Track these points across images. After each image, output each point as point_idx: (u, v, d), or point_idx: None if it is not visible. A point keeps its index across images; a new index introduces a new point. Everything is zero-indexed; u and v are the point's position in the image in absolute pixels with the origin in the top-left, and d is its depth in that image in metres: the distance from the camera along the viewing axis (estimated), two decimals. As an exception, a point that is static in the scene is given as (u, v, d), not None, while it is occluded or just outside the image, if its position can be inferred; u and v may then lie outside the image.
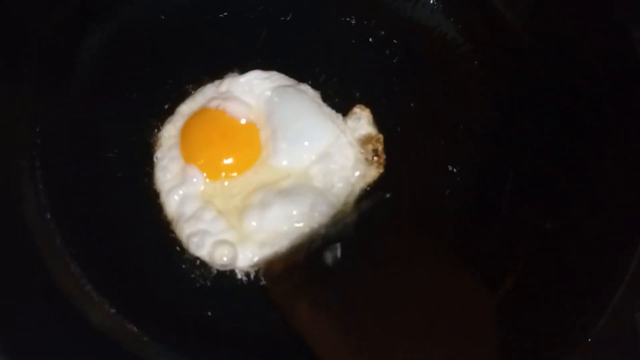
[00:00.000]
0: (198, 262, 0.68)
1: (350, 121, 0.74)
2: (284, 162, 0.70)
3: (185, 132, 0.72)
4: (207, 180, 0.70)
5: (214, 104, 0.73)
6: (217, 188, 0.70)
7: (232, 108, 0.72)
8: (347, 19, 0.81)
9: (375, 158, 0.73)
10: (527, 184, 0.72)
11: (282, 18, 0.81)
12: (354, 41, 0.80)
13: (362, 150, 0.73)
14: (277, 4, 0.81)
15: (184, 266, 0.68)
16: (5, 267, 0.62)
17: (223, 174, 0.70)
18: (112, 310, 0.66)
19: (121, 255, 0.70)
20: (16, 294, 0.61)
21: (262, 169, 0.71)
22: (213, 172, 0.70)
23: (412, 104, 0.76)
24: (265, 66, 0.77)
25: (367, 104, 0.76)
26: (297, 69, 0.77)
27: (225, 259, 0.66)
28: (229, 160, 0.70)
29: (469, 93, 0.78)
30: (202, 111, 0.73)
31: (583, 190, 0.67)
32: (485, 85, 0.78)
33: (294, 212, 0.67)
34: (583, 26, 0.71)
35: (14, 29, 0.72)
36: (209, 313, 0.66)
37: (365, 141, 0.73)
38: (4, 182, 0.69)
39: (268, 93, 0.74)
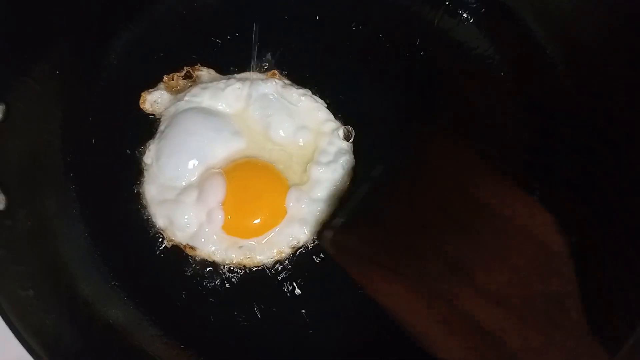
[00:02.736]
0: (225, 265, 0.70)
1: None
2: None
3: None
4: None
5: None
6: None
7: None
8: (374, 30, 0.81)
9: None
10: (554, 197, 0.69)
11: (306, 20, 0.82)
12: (378, 51, 0.80)
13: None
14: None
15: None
16: (33, 262, 0.65)
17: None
18: (135, 310, 0.69)
19: (147, 252, 0.71)
20: (42, 289, 0.63)
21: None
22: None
23: (437, 115, 0.77)
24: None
25: (389, 113, 0.77)
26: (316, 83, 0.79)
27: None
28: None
29: (495, 105, 0.77)
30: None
31: (608, 204, 0.65)
32: (511, 98, 0.77)
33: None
34: (612, 39, 0.71)
35: (45, 28, 0.72)
36: (231, 314, 0.69)
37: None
38: (36, 181, 0.69)
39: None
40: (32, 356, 0.56)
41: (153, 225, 0.72)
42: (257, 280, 0.70)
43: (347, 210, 0.69)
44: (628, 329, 0.54)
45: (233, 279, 0.70)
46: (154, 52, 0.80)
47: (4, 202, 0.63)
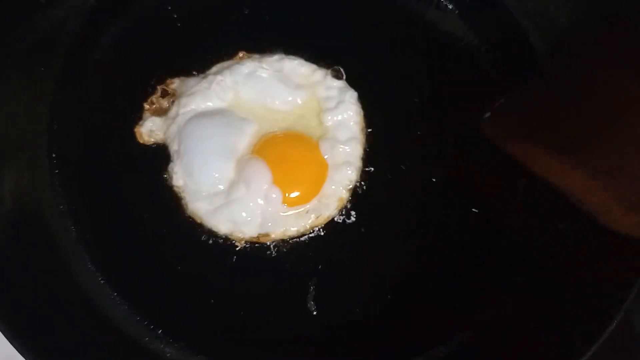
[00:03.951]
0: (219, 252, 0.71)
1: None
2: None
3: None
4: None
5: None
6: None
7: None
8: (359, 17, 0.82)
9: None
10: (539, 187, 0.71)
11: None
12: (363, 40, 0.81)
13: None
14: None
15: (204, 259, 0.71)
16: (24, 260, 0.65)
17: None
18: (125, 305, 0.69)
19: (136, 247, 0.71)
20: (31, 284, 0.64)
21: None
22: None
23: (420, 106, 0.78)
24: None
25: (371, 102, 0.78)
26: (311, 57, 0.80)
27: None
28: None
29: (480, 95, 0.77)
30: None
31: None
32: (496, 87, 0.78)
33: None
34: (595, 28, 0.71)
35: (34, 28, 0.73)
36: (222, 305, 0.70)
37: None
38: (22, 176, 0.70)
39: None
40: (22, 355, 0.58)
41: (139, 221, 0.73)
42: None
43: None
44: None
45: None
46: (135, 49, 0.81)
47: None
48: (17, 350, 0.57)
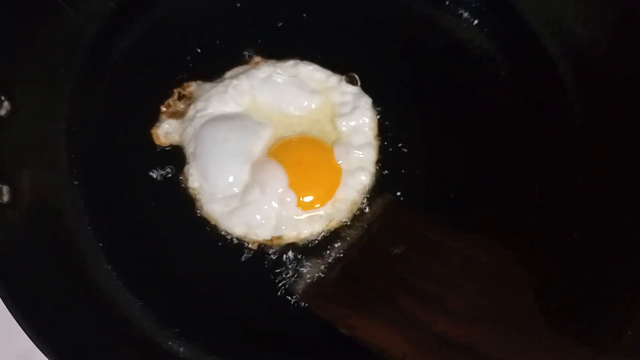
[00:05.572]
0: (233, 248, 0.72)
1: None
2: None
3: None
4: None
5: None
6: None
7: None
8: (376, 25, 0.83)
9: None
10: (553, 195, 0.72)
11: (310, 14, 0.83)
12: (377, 46, 0.82)
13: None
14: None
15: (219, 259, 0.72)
16: (41, 258, 0.66)
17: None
18: (140, 304, 0.69)
19: (151, 247, 0.72)
20: (48, 281, 0.65)
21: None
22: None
23: (435, 114, 0.79)
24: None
25: (386, 108, 0.78)
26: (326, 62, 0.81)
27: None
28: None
29: (495, 103, 0.78)
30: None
31: (608, 198, 0.67)
32: (512, 97, 0.79)
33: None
34: (612, 37, 0.71)
35: (54, 30, 0.75)
36: (235, 306, 0.70)
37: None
38: (41, 175, 0.71)
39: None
40: (40, 350, 0.58)
41: (154, 222, 0.74)
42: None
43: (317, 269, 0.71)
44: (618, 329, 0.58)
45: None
46: (153, 53, 0.82)
47: (8, 194, 0.65)
48: (36, 345, 0.57)
